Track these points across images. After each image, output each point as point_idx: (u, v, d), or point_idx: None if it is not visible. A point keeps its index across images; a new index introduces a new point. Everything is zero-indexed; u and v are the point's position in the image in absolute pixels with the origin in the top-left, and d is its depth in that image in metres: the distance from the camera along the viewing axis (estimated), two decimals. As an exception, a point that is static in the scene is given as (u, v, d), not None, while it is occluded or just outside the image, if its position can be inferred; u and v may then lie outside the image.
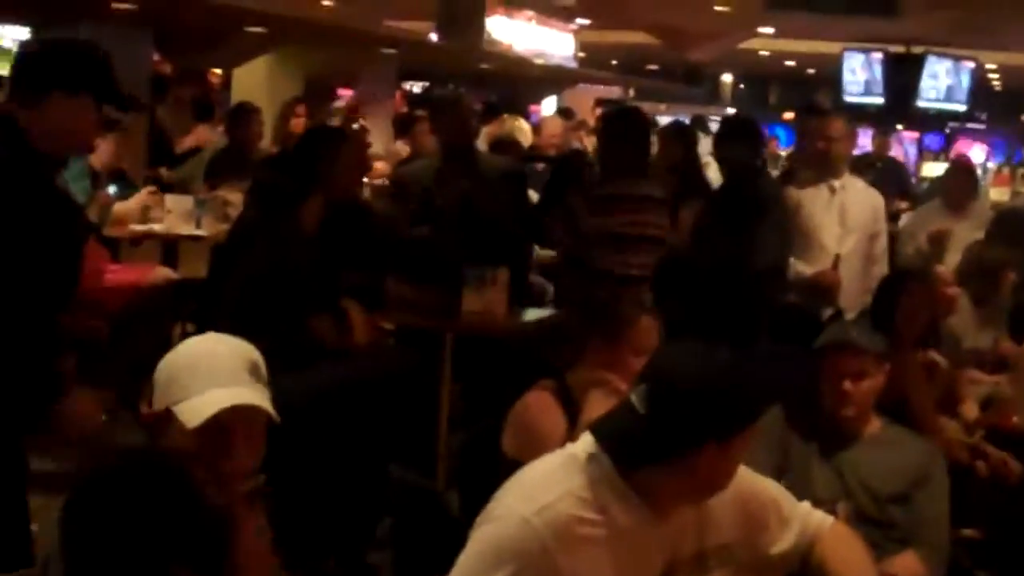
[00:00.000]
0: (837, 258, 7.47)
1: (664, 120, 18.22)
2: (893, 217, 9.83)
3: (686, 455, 2.95)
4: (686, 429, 2.94)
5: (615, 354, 4.55)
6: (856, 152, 12.31)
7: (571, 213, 7.37)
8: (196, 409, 2.99)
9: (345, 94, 19.64)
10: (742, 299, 7.16)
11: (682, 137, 9.46)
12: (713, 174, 10.37)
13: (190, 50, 16.09)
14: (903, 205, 10.70)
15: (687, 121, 17.78)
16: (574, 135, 15.26)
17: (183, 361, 3.10)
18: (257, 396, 3.07)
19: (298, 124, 11.81)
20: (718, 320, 6.86)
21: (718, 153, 8.02)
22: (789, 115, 29.99)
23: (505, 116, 15.04)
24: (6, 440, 4.03)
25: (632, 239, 7.22)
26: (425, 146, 10.49)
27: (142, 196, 9.45)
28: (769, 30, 23.72)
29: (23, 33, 17.06)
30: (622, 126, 7.61)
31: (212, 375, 3.04)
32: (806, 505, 3.47)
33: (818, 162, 7.82)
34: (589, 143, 15.71)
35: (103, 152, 9.00)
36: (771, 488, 3.40)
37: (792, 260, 7.52)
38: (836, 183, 7.68)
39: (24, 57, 4.21)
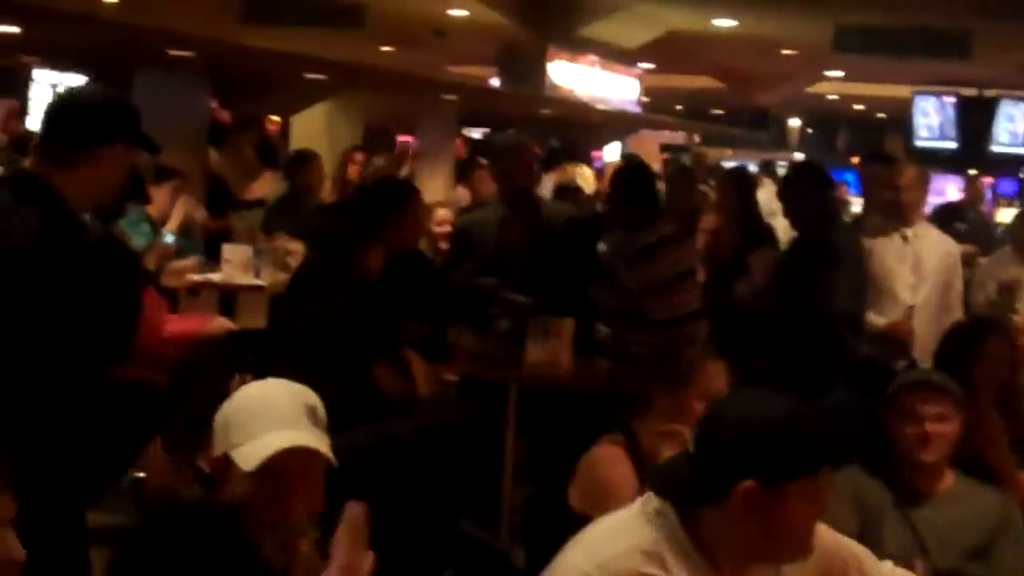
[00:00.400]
0: (911, 309, 7.41)
1: (730, 166, 18.15)
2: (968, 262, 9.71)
3: (731, 495, 2.91)
4: (726, 463, 2.91)
5: (681, 402, 4.54)
6: (938, 199, 12.17)
7: (609, 273, 7.38)
8: (253, 452, 3.00)
9: (406, 140, 19.74)
10: (815, 348, 7.14)
11: (741, 184, 9.43)
12: (781, 222, 10.35)
13: (248, 97, 16.23)
14: (982, 261, 10.59)
15: (753, 166, 17.76)
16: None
17: (241, 405, 3.12)
18: (315, 439, 3.07)
19: (354, 171, 11.85)
20: (791, 369, 6.85)
21: (785, 202, 7.95)
22: (855, 159, 29.87)
23: (566, 163, 15.09)
24: (67, 493, 4.05)
25: (677, 279, 7.26)
26: (485, 192, 10.53)
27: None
28: (838, 73, 23.68)
29: (80, 81, 17.26)
30: (633, 181, 7.66)
31: (270, 419, 3.06)
32: (888, 564, 3.43)
33: (887, 211, 7.76)
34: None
35: (159, 201, 9.05)
36: (852, 545, 3.36)
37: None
38: (909, 232, 7.61)
39: (56, 114, 4.20)
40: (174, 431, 6.44)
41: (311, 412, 3.11)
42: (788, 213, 7.93)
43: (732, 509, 2.92)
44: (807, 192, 7.66)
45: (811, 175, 7.93)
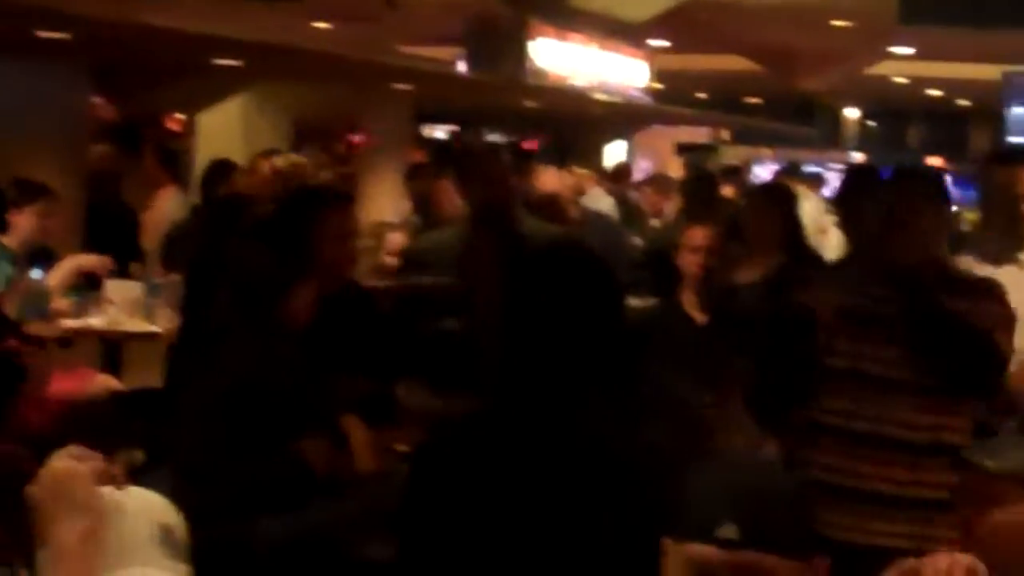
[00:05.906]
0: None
1: (765, 169, 18.10)
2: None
3: None
4: None
5: None
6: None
7: None
8: None
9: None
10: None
11: (779, 203, 9.43)
12: (834, 242, 10.36)
13: (140, 89, 16.22)
14: None
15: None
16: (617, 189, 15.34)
17: None
18: None
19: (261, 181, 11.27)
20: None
21: (845, 215, 8.00)
22: (935, 160, 29.99)
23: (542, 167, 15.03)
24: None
25: None
26: (446, 209, 10.49)
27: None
28: (906, 50, 23.76)
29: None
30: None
31: (110, 551, 2.92)
32: None
33: (1004, 228, 7.69)
34: (671, 205, 15.73)
35: (21, 228, 8.94)
36: None
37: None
38: None
39: None
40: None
41: (166, 536, 3.02)
42: (844, 224, 8.02)
43: None
44: (866, 198, 7.69)
45: (873, 180, 7.98)
